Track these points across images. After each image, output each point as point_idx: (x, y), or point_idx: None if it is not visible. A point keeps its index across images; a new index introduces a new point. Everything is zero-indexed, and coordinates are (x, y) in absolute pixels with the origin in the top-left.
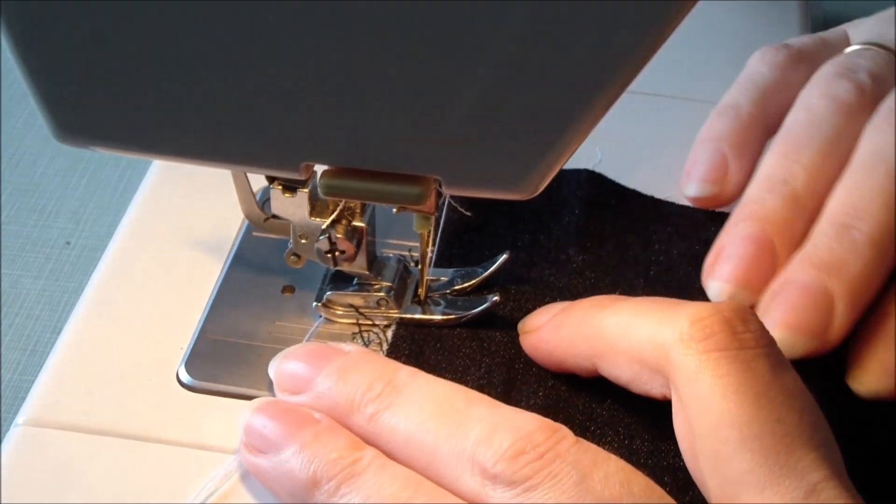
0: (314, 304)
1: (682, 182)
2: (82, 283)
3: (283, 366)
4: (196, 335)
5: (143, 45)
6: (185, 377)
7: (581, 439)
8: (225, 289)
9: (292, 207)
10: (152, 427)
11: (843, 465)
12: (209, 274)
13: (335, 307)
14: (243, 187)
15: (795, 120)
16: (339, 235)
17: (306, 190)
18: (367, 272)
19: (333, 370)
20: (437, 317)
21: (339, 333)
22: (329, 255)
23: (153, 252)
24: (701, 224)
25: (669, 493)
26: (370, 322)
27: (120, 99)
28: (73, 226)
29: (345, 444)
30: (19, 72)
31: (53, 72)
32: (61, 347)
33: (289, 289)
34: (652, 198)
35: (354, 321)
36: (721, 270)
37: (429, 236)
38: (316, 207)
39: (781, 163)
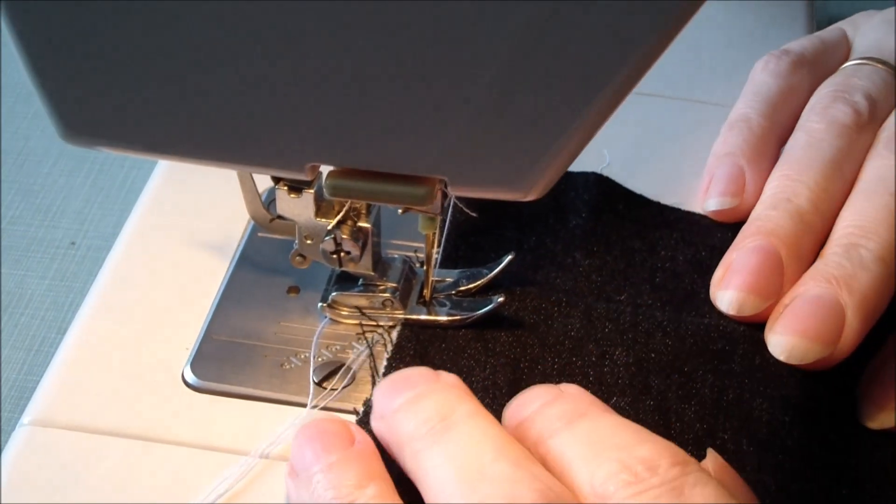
0: (319, 304)
1: (700, 198)
2: (87, 284)
3: (379, 385)
4: (201, 336)
5: (149, 45)
6: (190, 377)
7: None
8: (230, 289)
9: (298, 208)
10: (157, 427)
11: None
12: (214, 274)
13: (340, 308)
14: (249, 188)
15: (796, 143)
16: (344, 236)
17: (312, 191)
18: (373, 273)
19: (408, 398)
20: (443, 318)
21: (345, 334)
22: (334, 256)
23: (158, 252)
24: (707, 231)
25: None
26: (374, 323)
27: (126, 99)
28: (78, 226)
29: (350, 479)
30: (25, 71)
31: (60, 71)
32: (66, 347)
33: (294, 289)
34: (658, 203)
35: (359, 322)
36: (730, 281)
37: (434, 237)
38: (321, 208)
39: (785, 183)
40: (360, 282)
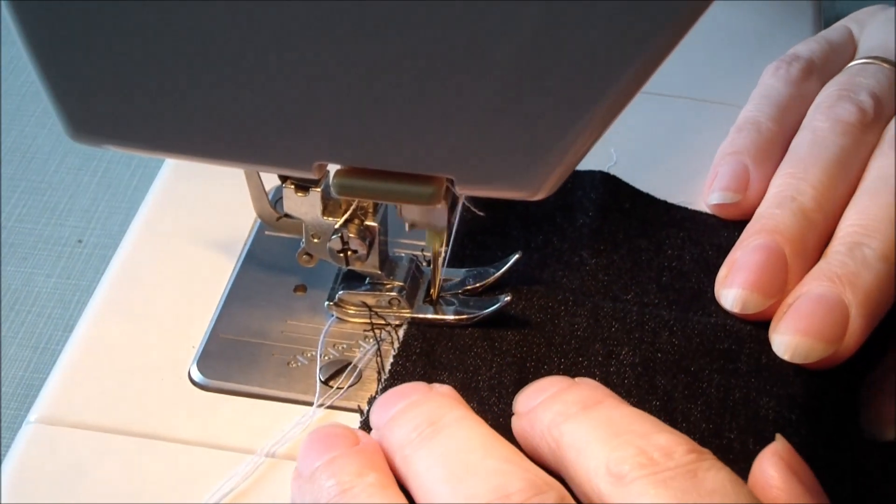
0: (326, 303)
1: (704, 193)
2: (94, 282)
3: (375, 401)
4: (208, 334)
5: (156, 43)
6: (196, 376)
7: (568, 501)
8: (237, 288)
9: (305, 206)
10: (164, 425)
11: None
12: (221, 273)
13: (347, 306)
14: (256, 186)
15: (801, 142)
16: (351, 235)
17: (319, 189)
18: (380, 272)
19: (401, 408)
20: (449, 317)
21: (351, 332)
22: (341, 255)
23: (165, 251)
24: (713, 230)
25: None
26: (383, 321)
27: (133, 97)
28: (84, 224)
29: (351, 469)
30: (33, 70)
31: (67, 70)
32: (73, 345)
33: (301, 288)
34: (665, 202)
35: (366, 320)
36: (734, 279)
37: (442, 237)
38: (328, 207)
39: (789, 182)
40: (367, 280)
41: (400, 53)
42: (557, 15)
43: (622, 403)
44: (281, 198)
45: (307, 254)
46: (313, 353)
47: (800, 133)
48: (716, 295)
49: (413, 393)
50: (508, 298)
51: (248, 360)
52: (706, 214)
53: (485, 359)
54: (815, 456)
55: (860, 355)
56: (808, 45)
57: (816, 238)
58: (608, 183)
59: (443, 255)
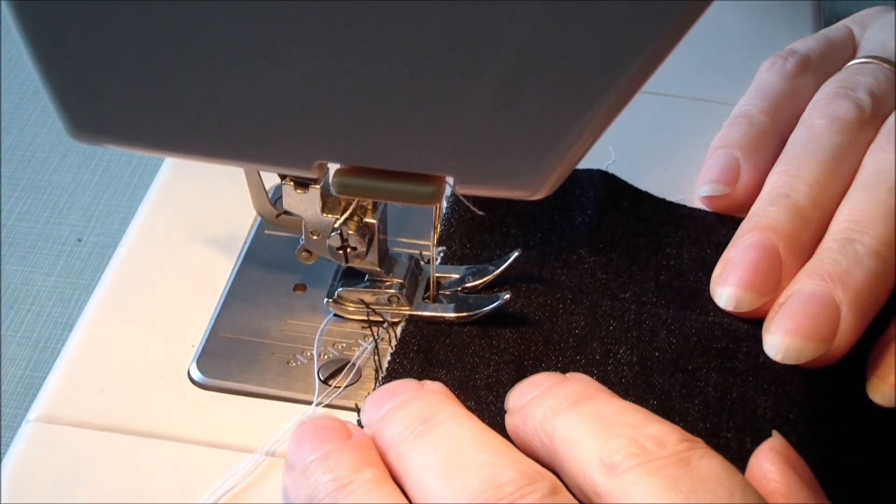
0: (325, 300)
1: (697, 187)
2: (94, 280)
3: (367, 398)
4: (207, 333)
5: (156, 42)
6: (196, 375)
7: (561, 492)
8: (237, 287)
9: (304, 204)
10: (163, 424)
11: None
12: (221, 272)
13: (346, 304)
14: (255, 184)
15: (797, 138)
16: (350, 232)
17: (318, 186)
18: (379, 269)
19: (392, 406)
20: (449, 314)
21: (351, 331)
22: (340, 252)
23: (165, 249)
24: (712, 228)
25: None
26: (380, 319)
27: (133, 96)
28: (84, 222)
29: (347, 464)
30: (33, 68)
31: (67, 68)
32: (73, 344)
33: (300, 287)
34: (664, 200)
35: (365, 317)
36: (728, 277)
37: (437, 232)
38: (328, 204)
39: (784, 179)
40: (367, 278)
41: (400, 52)
42: (558, 14)
43: (613, 397)
44: (281, 196)
45: (306, 251)
46: (313, 352)
47: (796, 130)
48: (711, 293)
49: (404, 391)
50: (508, 296)
51: (248, 358)
52: (705, 212)
53: (482, 357)
54: (813, 454)
55: (860, 353)
56: (806, 42)
57: (811, 235)
58: (607, 182)
59: (437, 252)
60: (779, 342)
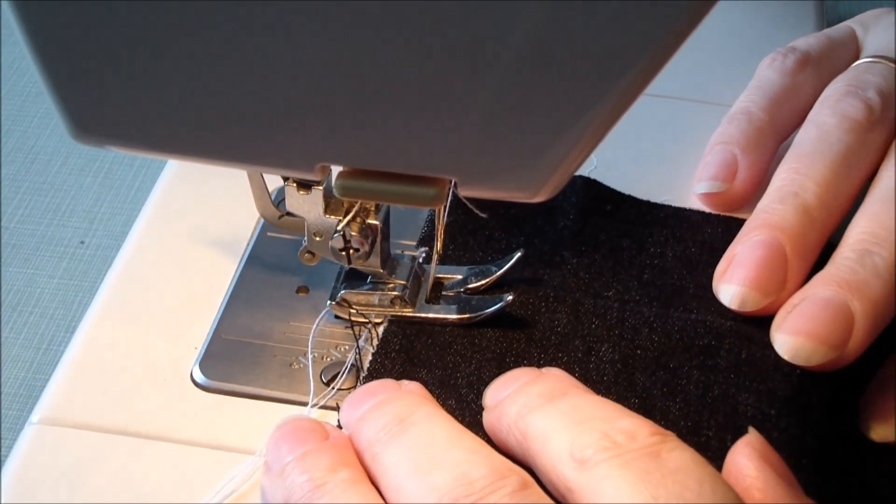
0: (328, 301)
1: (694, 184)
2: (96, 282)
3: (350, 396)
4: (210, 335)
5: (159, 44)
6: (199, 377)
7: (531, 487)
8: (239, 289)
9: (307, 205)
10: (166, 426)
11: None
12: (223, 274)
13: (349, 305)
14: (258, 185)
15: (806, 137)
16: (353, 233)
17: (321, 188)
18: (381, 270)
19: (369, 407)
20: (452, 316)
21: (346, 333)
22: (343, 253)
23: (168, 252)
24: (697, 226)
25: None
26: (365, 319)
27: (136, 98)
28: (87, 225)
29: (324, 465)
30: (36, 70)
31: (70, 70)
32: (75, 346)
33: (303, 289)
34: (647, 202)
35: (367, 319)
36: (732, 275)
37: (441, 234)
38: (330, 205)
39: (793, 177)
40: (369, 279)
41: (403, 55)
42: (560, 17)
43: (587, 392)
44: (284, 197)
45: (309, 252)
46: (315, 354)
47: (805, 127)
48: (713, 289)
49: (381, 391)
50: (510, 298)
51: (251, 361)
52: (690, 211)
53: (464, 355)
54: (795, 451)
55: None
56: (807, 40)
57: (817, 235)
58: (589, 187)
59: (437, 254)
60: (790, 342)
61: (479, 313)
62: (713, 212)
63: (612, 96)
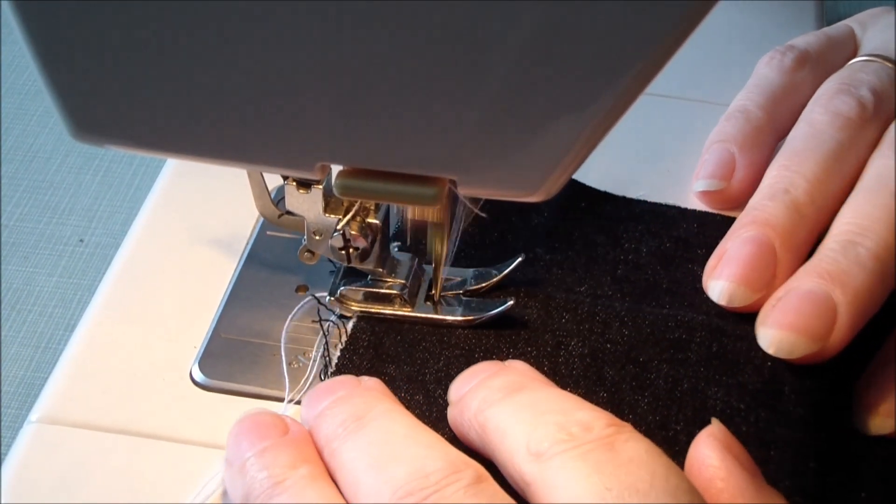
0: (328, 298)
1: (692, 182)
2: (96, 281)
3: (309, 393)
4: (209, 334)
5: (159, 43)
6: (198, 376)
7: (486, 481)
8: (238, 288)
9: (307, 204)
10: (165, 425)
11: None
12: (223, 273)
13: (349, 302)
14: (258, 184)
15: (798, 134)
16: (353, 232)
17: (320, 186)
18: (381, 270)
19: (328, 404)
20: (456, 318)
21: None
22: (343, 252)
23: (167, 250)
24: (672, 222)
25: None
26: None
27: (136, 97)
28: (86, 223)
29: (283, 461)
30: (35, 68)
31: (70, 69)
32: (75, 345)
33: (303, 288)
34: (623, 198)
35: (369, 317)
36: (722, 271)
37: (444, 237)
38: (330, 204)
39: (784, 174)
40: (369, 278)
41: (403, 54)
42: (560, 16)
43: (547, 385)
44: (283, 196)
45: (309, 251)
46: (312, 353)
47: (797, 125)
48: (703, 285)
49: (340, 388)
50: (511, 302)
51: (250, 360)
52: (666, 206)
53: (433, 352)
54: (764, 443)
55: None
56: (806, 38)
57: (807, 232)
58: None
59: (445, 254)
60: (772, 335)
61: (482, 315)
62: (711, 210)
63: (612, 96)
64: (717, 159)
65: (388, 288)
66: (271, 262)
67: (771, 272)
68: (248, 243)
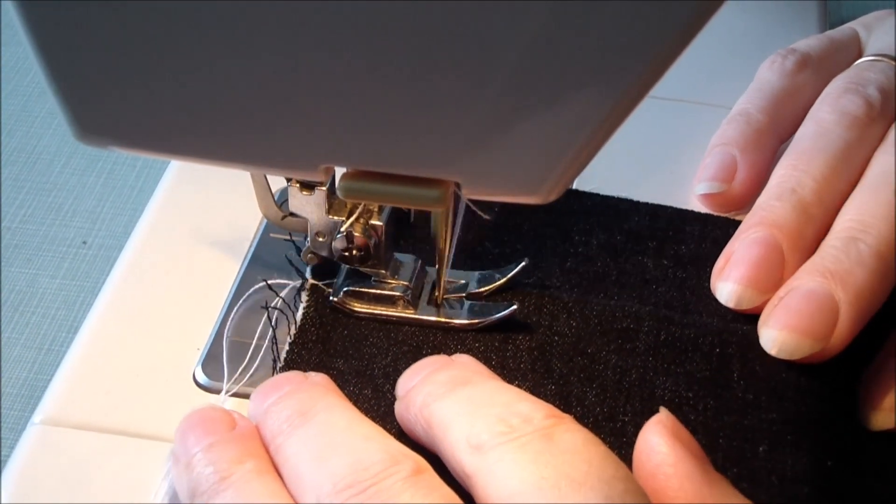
0: (331, 298)
1: (693, 185)
2: (99, 283)
3: (257, 389)
4: (213, 336)
5: (163, 45)
6: (201, 378)
7: (425, 472)
8: (242, 289)
9: (310, 205)
10: (168, 427)
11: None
12: (226, 274)
13: (352, 303)
14: (261, 185)
15: (805, 133)
16: (356, 234)
17: (324, 188)
18: (384, 271)
19: (274, 400)
20: (461, 321)
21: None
22: (346, 254)
23: (170, 252)
24: (625, 215)
25: None
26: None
27: (140, 99)
28: (90, 225)
29: (229, 456)
30: (39, 70)
31: (74, 71)
32: (78, 347)
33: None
34: (575, 191)
35: (372, 318)
36: (730, 273)
37: (447, 236)
38: (333, 205)
39: (791, 173)
40: (372, 279)
41: (406, 56)
42: (565, 19)
43: (491, 378)
44: (287, 198)
45: (312, 252)
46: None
47: (805, 124)
48: (711, 287)
49: (287, 384)
50: (515, 307)
51: (253, 362)
52: (618, 199)
53: (381, 347)
54: (712, 431)
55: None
56: (808, 41)
57: (814, 232)
58: None
59: (447, 257)
60: (775, 337)
61: (486, 318)
62: (713, 212)
63: (616, 98)
64: (719, 162)
65: (392, 290)
66: (275, 263)
67: (779, 274)
68: (251, 245)
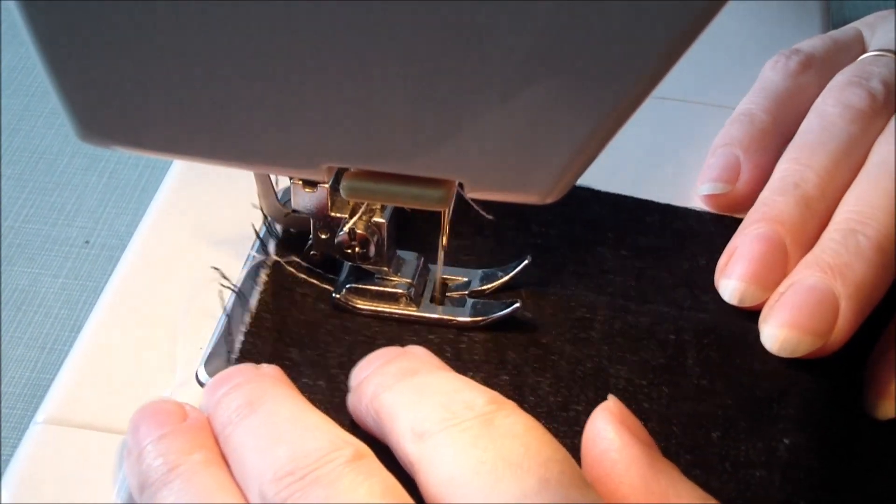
0: (333, 295)
1: (697, 186)
2: (101, 282)
3: (209, 381)
4: (216, 335)
5: (166, 45)
6: (204, 377)
7: (366, 457)
8: (245, 288)
9: (313, 202)
10: None
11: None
12: (229, 273)
13: (355, 300)
14: (264, 183)
15: (808, 127)
16: (359, 231)
17: (327, 185)
18: (387, 268)
19: (225, 391)
20: (464, 319)
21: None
22: (349, 251)
23: (173, 252)
24: (584, 204)
25: None
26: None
27: (143, 99)
28: (92, 225)
29: (178, 447)
30: (42, 69)
31: (77, 70)
32: (80, 346)
33: None
34: None
35: (374, 315)
36: (733, 269)
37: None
38: (336, 203)
39: (794, 167)
40: (375, 276)
41: (409, 56)
42: (570, 19)
43: (441, 369)
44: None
45: (315, 250)
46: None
47: (808, 117)
48: (715, 284)
49: (239, 376)
50: (518, 304)
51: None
52: (580, 188)
53: (336, 336)
54: (666, 417)
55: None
56: (811, 41)
57: (817, 227)
58: None
59: (443, 255)
60: (776, 334)
61: (489, 316)
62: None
63: (620, 98)
64: (722, 163)
65: (394, 287)
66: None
67: (782, 269)
68: (254, 243)
